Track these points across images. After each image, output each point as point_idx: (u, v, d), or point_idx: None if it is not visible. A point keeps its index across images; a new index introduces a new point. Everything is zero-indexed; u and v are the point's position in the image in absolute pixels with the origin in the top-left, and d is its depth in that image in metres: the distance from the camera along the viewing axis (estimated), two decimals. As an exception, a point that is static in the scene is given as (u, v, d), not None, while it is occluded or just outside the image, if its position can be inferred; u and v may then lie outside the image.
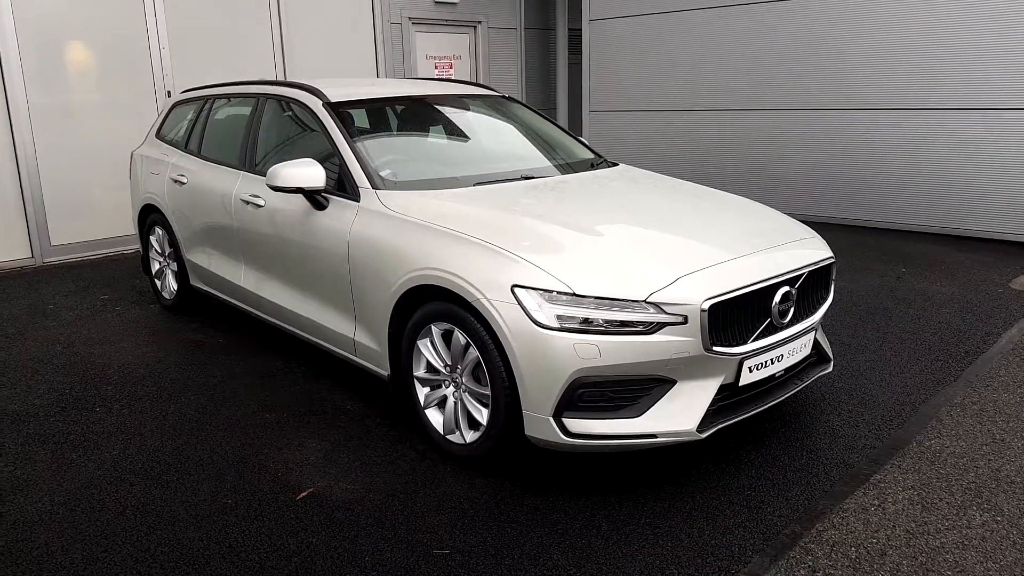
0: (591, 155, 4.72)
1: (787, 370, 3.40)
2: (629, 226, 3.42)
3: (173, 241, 5.36)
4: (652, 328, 2.88)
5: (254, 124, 4.70)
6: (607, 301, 2.88)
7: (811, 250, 3.49)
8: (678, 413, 2.97)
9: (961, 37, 7.22)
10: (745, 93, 8.77)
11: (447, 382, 3.38)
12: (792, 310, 3.28)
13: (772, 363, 3.22)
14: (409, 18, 9.89)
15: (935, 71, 7.44)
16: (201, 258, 5.08)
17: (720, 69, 8.91)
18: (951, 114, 7.43)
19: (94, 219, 7.64)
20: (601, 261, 3.04)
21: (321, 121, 4.11)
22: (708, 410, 3.01)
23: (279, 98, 4.59)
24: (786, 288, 3.23)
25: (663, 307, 2.89)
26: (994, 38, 7.04)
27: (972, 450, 3.40)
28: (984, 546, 2.73)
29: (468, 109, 4.76)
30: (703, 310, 2.91)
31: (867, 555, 2.69)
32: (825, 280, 3.57)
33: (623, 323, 2.87)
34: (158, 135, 5.74)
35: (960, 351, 4.58)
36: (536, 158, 4.47)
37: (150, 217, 5.66)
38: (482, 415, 3.19)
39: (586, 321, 2.87)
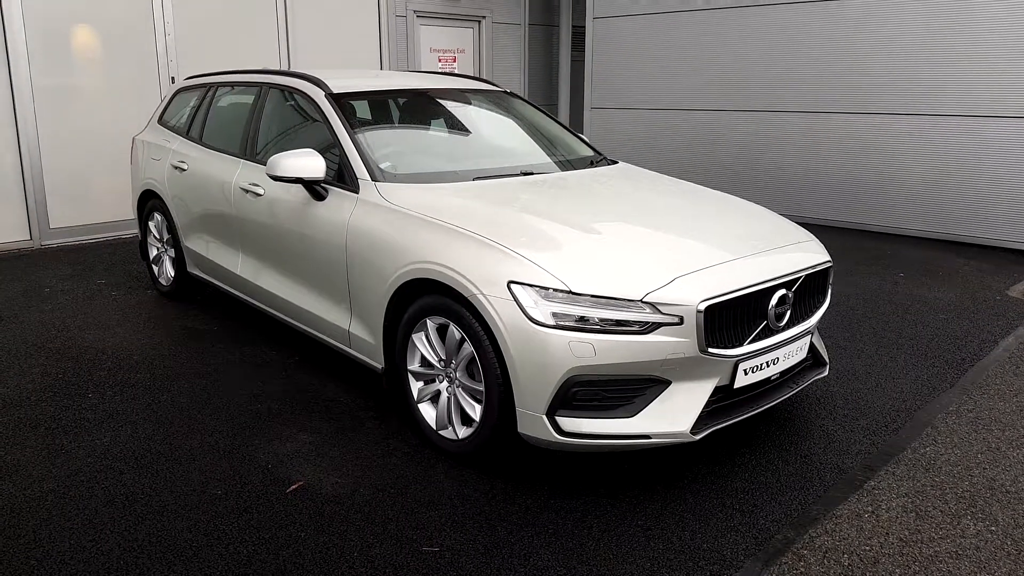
0: (591, 152, 4.70)
1: (782, 373, 3.38)
2: (627, 225, 3.40)
3: (172, 227, 5.34)
4: (648, 328, 2.87)
5: (256, 113, 4.68)
6: (603, 300, 2.86)
7: (809, 253, 3.47)
8: (672, 414, 2.95)
9: (966, 45, 7.19)
10: (748, 94, 8.74)
11: (441, 377, 3.36)
12: (788, 313, 3.26)
13: (767, 366, 3.21)
14: (414, 11, 9.86)
15: (939, 78, 7.41)
16: (199, 245, 5.06)
17: (724, 70, 8.87)
18: (953, 121, 7.40)
19: (94, 203, 7.61)
20: (598, 259, 3.03)
21: (323, 112, 4.09)
22: (702, 412, 3.00)
23: (282, 88, 4.57)
24: (783, 291, 3.21)
25: (659, 307, 2.87)
26: (998, 47, 7.02)
27: (967, 458, 3.38)
28: (978, 556, 2.72)
29: (470, 104, 4.74)
30: (699, 311, 2.89)
31: (860, 562, 2.68)
32: (822, 284, 3.55)
33: (619, 322, 2.85)
34: (160, 121, 5.71)
35: (956, 358, 4.57)
36: (536, 154, 4.45)
37: (150, 203, 5.63)
38: (475, 411, 3.17)
39: (582, 319, 2.85)
